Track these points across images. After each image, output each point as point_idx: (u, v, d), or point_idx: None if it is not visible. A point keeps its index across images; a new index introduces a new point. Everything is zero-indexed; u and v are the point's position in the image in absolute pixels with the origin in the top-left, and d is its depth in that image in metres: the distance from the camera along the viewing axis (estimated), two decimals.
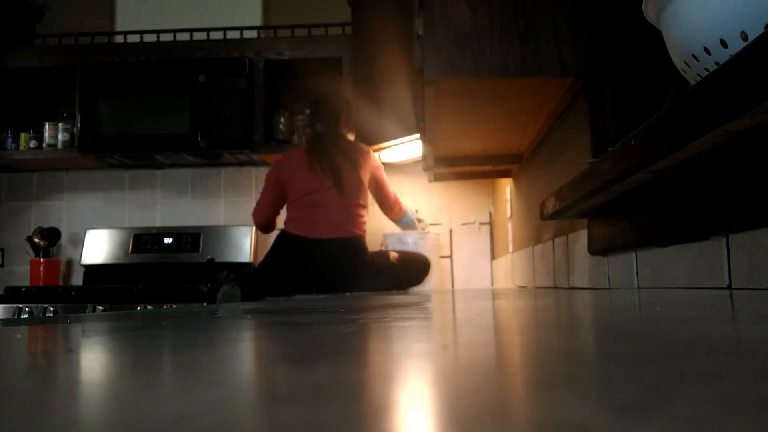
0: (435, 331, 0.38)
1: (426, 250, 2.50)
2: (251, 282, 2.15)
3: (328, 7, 3.04)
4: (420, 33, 1.32)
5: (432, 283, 2.48)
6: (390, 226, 2.74)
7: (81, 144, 2.73)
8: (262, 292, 2.08)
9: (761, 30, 0.61)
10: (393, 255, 2.28)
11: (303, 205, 2.23)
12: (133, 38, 2.95)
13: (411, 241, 2.52)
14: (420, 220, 2.66)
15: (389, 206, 2.44)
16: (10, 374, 0.23)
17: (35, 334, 0.44)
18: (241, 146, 2.69)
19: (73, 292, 2.32)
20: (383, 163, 2.66)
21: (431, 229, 2.84)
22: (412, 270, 2.31)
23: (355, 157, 2.27)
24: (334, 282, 2.16)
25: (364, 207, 2.31)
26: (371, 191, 2.36)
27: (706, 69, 0.69)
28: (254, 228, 2.86)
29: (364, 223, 2.29)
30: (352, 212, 2.23)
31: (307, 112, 2.87)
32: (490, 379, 0.19)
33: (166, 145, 2.71)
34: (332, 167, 2.22)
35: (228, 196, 3.03)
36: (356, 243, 2.21)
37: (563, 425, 0.12)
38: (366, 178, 2.29)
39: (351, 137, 2.37)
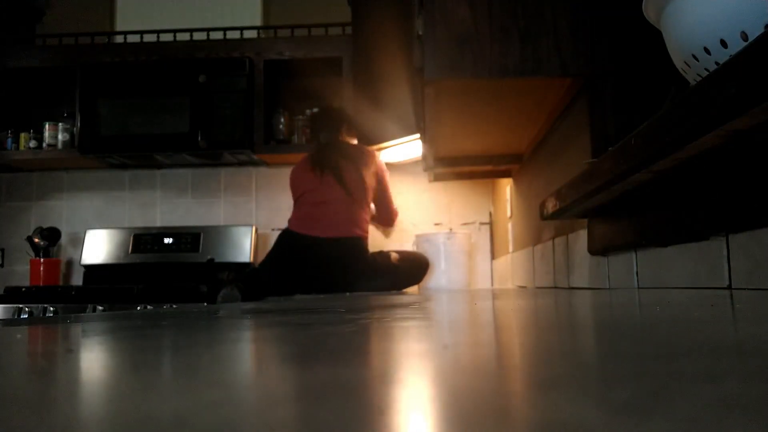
0: (435, 331, 0.38)
1: (455, 249, 2.49)
2: (252, 283, 2.15)
3: (328, 7, 3.04)
4: (420, 33, 1.32)
5: (439, 282, 2.47)
6: (420, 228, 2.75)
7: (81, 144, 2.73)
8: (262, 293, 2.08)
9: (761, 30, 0.61)
10: (394, 256, 2.28)
11: (306, 203, 2.27)
12: (133, 38, 2.95)
13: (441, 241, 2.50)
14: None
15: (386, 213, 2.46)
16: (10, 374, 0.23)
17: (35, 334, 0.44)
18: (241, 146, 2.69)
19: (73, 292, 2.32)
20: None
21: (460, 229, 2.84)
22: (411, 270, 2.31)
23: (358, 158, 2.30)
24: (334, 281, 2.16)
25: (367, 205, 2.32)
26: (373, 193, 2.37)
27: (706, 69, 0.69)
28: (254, 228, 2.87)
29: (366, 222, 2.30)
30: (355, 212, 2.24)
31: (309, 111, 2.88)
32: (490, 379, 0.19)
33: (166, 145, 2.71)
34: (334, 168, 2.25)
35: (228, 196, 3.03)
36: (357, 243, 2.21)
37: (563, 425, 0.12)
38: (369, 178, 2.30)
39: (354, 142, 2.41)
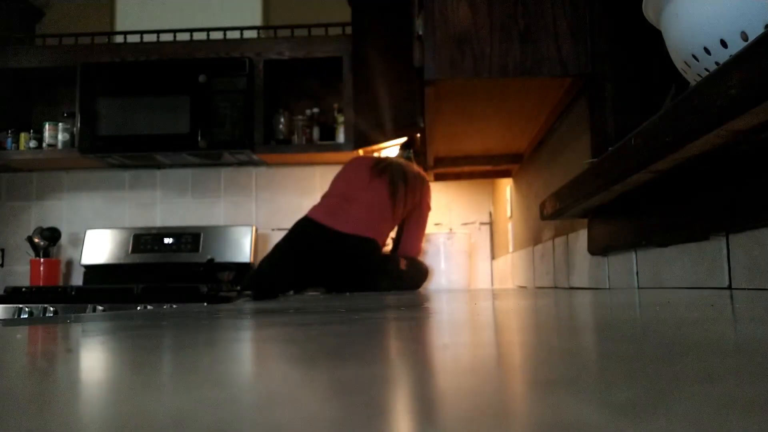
0: (435, 331, 0.38)
1: (455, 249, 2.48)
2: (258, 285, 2.15)
3: (328, 7, 3.04)
4: (420, 33, 1.32)
5: (439, 282, 2.47)
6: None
7: (81, 144, 2.73)
8: (272, 292, 2.08)
9: (761, 30, 0.61)
10: (403, 262, 2.28)
11: (336, 196, 2.23)
12: (133, 38, 2.95)
13: (441, 242, 2.49)
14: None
15: (410, 245, 2.34)
16: (10, 374, 0.23)
17: (35, 334, 0.44)
18: (241, 146, 2.69)
19: (73, 292, 2.32)
20: None
21: (460, 229, 2.83)
22: (415, 276, 2.30)
23: (414, 184, 2.27)
24: (343, 277, 2.14)
25: (394, 224, 2.28)
26: (406, 219, 2.32)
27: (706, 69, 0.69)
28: (254, 228, 2.87)
29: (386, 235, 2.27)
30: (381, 221, 2.21)
31: (309, 111, 2.88)
32: (490, 379, 0.19)
33: (166, 145, 2.71)
34: (392, 181, 2.22)
35: (228, 196, 3.03)
36: (373, 244, 2.18)
37: (563, 425, 0.12)
38: (412, 205, 2.28)
39: (415, 168, 2.37)
